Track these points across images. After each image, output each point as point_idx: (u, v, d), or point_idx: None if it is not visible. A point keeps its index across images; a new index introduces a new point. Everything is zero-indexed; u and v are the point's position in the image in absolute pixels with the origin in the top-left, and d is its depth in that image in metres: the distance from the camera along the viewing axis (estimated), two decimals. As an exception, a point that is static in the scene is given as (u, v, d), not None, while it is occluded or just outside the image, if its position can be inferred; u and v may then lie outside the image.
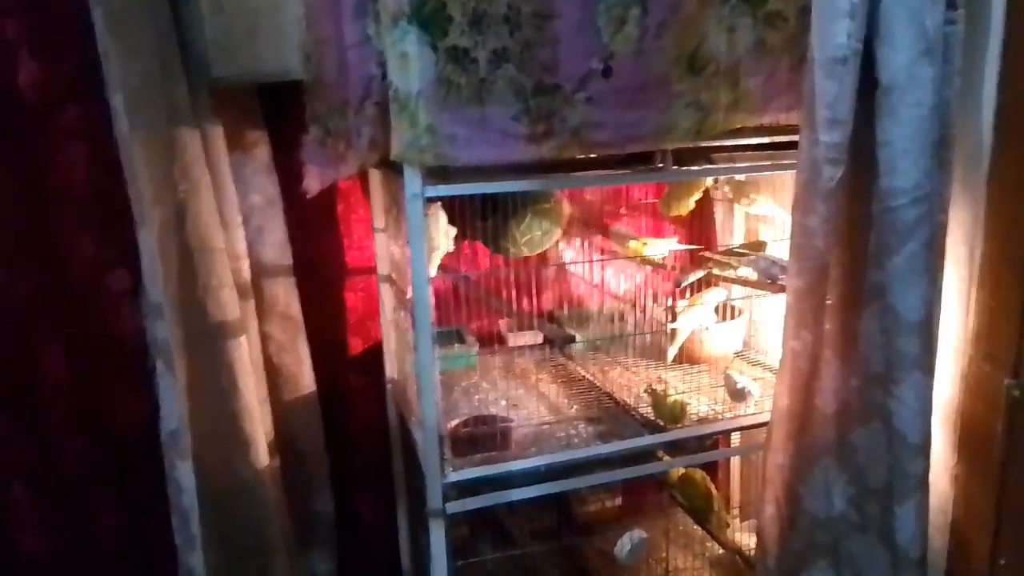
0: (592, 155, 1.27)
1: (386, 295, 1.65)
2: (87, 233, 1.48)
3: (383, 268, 1.64)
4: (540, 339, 1.81)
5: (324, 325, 1.68)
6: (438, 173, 1.18)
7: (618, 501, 1.92)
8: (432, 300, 1.22)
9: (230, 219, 1.32)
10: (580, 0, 1.13)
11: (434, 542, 1.28)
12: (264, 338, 1.55)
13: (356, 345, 1.74)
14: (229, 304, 1.25)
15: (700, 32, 1.23)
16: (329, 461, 1.71)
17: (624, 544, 1.50)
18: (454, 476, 1.28)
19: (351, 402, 1.75)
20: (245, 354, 1.30)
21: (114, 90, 0.99)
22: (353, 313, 1.73)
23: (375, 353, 1.72)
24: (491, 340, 1.81)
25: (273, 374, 1.58)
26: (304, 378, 1.64)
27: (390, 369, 1.70)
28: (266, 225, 1.54)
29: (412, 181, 1.16)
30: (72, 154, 1.43)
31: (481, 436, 1.32)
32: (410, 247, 1.18)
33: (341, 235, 1.68)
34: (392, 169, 1.28)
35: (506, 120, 1.14)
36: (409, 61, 1.09)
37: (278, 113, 1.51)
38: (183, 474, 1.14)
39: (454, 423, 1.36)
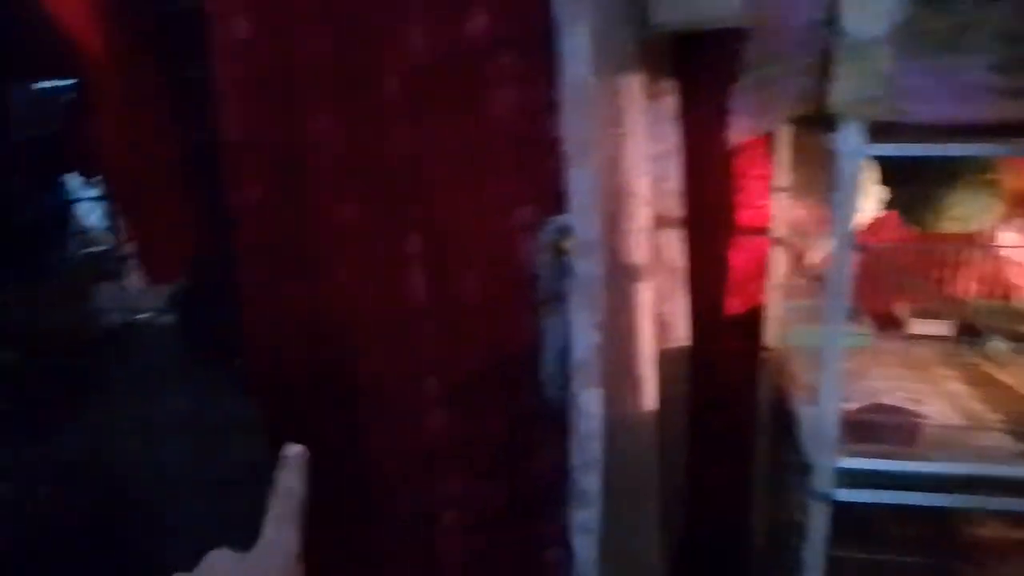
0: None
1: (777, 258, 1.57)
2: (504, 171, 1.63)
3: (778, 229, 1.55)
4: (948, 329, 1.57)
5: (705, 281, 1.66)
6: (878, 130, 1.05)
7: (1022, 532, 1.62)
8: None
9: (641, 166, 1.34)
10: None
11: (814, 528, 1.21)
12: (649, 285, 1.58)
13: (734, 306, 1.69)
14: (640, 248, 1.28)
15: None
16: (688, 417, 1.71)
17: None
18: (847, 463, 1.18)
19: (720, 363, 1.71)
20: (648, 298, 1.33)
21: (576, 33, 1.04)
22: (736, 273, 1.67)
23: (753, 317, 1.66)
24: (886, 322, 1.62)
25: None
26: (679, 330, 1.64)
27: (769, 336, 1.62)
28: (664, 175, 1.55)
29: (851, 137, 1.05)
30: (503, 94, 1.56)
31: (884, 426, 1.19)
32: (835, 210, 1.08)
33: (735, 191, 1.62)
34: (815, 124, 1.18)
35: (982, 71, 0.96)
36: (872, 4, 0.98)
37: (685, 62, 1.50)
38: (589, 400, 1.22)
39: (851, 407, 1.25)
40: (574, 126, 1.10)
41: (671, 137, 1.53)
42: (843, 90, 1.02)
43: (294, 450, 0.51)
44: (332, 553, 1.85)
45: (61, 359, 2.12)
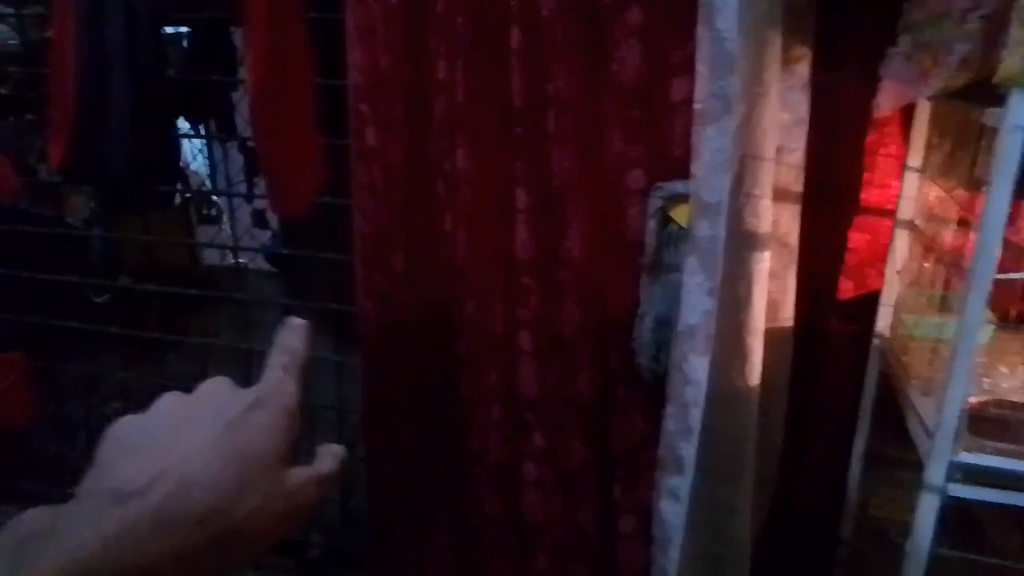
0: None
1: (900, 242, 1.49)
2: (620, 131, 1.59)
3: (905, 212, 1.48)
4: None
5: (818, 261, 1.59)
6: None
7: None
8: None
9: (774, 130, 1.29)
10: None
11: (922, 519, 1.16)
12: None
13: (847, 289, 1.62)
14: (765, 216, 1.24)
15: None
16: (788, 398, 1.65)
17: None
18: (966, 458, 1.12)
19: (826, 346, 1.65)
20: (766, 269, 1.29)
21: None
22: (853, 255, 1.60)
23: (866, 302, 1.58)
24: (1011, 318, 1.53)
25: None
26: (785, 310, 1.58)
27: (882, 324, 1.56)
28: (787, 145, 1.48)
29: (1017, 110, 0.98)
30: (626, 53, 1.52)
31: (1014, 423, 1.13)
32: (990, 191, 1.02)
33: (862, 169, 1.54)
34: (968, 97, 1.11)
35: None
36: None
37: (824, 25, 1.42)
38: (694, 368, 1.20)
39: (976, 400, 1.19)
40: (714, 82, 1.06)
41: (800, 106, 1.46)
42: (1017, 58, 0.94)
43: (298, 321, 0.45)
44: (422, 488, 1.90)
45: (169, 289, 2.23)
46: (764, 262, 1.29)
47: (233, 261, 2.90)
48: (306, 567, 2.21)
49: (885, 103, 1.09)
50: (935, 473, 1.14)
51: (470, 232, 1.66)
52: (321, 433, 2.26)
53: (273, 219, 2.86)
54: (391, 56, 1.58)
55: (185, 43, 2.43)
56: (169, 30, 2.36)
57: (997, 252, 1.03)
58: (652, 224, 1.61)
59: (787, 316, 1.59)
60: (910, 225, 1.46)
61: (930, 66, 1.06)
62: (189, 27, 2.36)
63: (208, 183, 3.29)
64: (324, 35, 1.72)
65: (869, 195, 1.55)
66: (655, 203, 1.60)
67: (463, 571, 1.93)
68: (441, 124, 1.61)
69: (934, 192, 1.36)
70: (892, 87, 1.08)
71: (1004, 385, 1.34)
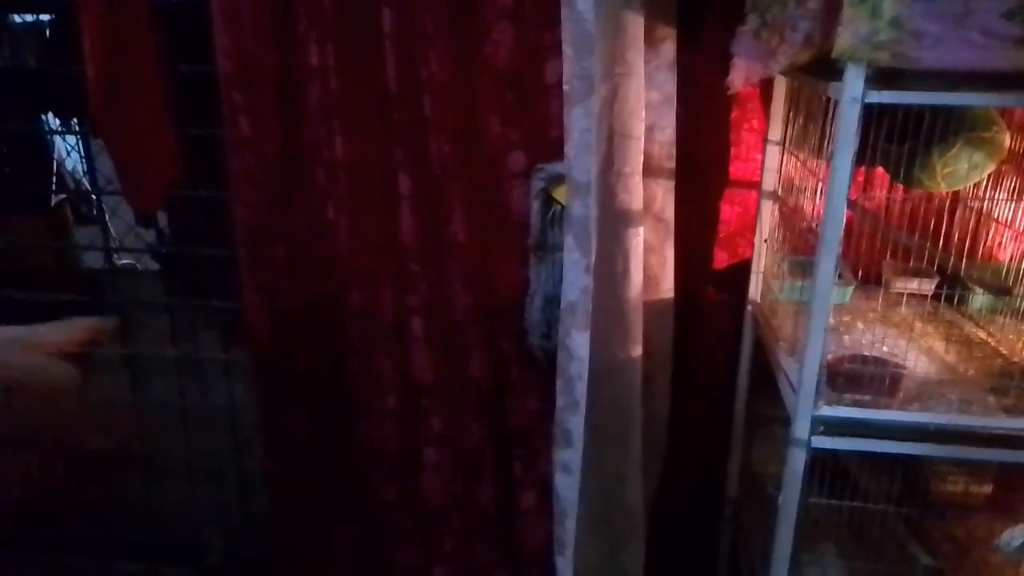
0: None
1: (766, 213, 1.57)
2: (497, 114, 1.60)
3: (768, 184, 1.55)
4: (930, 287, 1.59)
5: (693, 234, 1.66)
6: (881, 78, 1.05)
7: (986, 488, 1.67)
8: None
9: (641, 109, 1.33)
10: None
11: (791, 472, 1.23)
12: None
13: (721, 259, 1.70)
14: (636, 193, 1.28)
15: None
16: (672, 367, 1.72)
17: (1012, 539, 1.31)
18: (827, 411, 1.20)
19: (705, 315, 1.73)
20: (641, 244, 1.33)
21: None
22: (725, 226, 1.67)
23: (739, 271, 1.67)
24: (867, 279, 1.64)
25: (638, 272, 1.60)
26: (664, 282, 1.65)
27: (753, 290, 1.64)
28: (657, 123, 1.53)
29: (853, 83, 1.04)
30: (499, 36, 1.53)
31: (866, 376, 1.21)
32: (833, 160, 1.08)
33: (729, 143, 1.61)
34: (815, 73, 1.17)
35: (994, 18, 0.96)
36: (883, -56, 0.96)
37: (686, 7, 1.47)
38: (577, 343, 1.22)
39: (834, 356, 1.27)
40: (578, 63, 1.08)
41: (667, 85, 1.51)
42: (850, 34, 1.01)
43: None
44: (322, 483, 1.86)
45: (43, 295, 2.09)
46: (639, 237, 1.33)
47: (120, 263, 2.76)
48: (204, 574, 2.14)
49: (737, 80, 1.15)
50: (800, 427, 1.21)
51: (353, 220, 1.64)
52: (215, 435, 2.18)
53: (161, 217, 2.73)
54: (260, 41, 1.52)
55: (47, 32, 2.27)
56: (29, 18, 2.20)
57: (843, 217, 1.10)
58: (536, 205, 1.63)
59: (667, 288, 1.66)
60: (773, 196, 1.54)
61: (777, 43, 1.12)
62: (50, 15, 2.21)
63: (86, 181, 3.10)
64: (199, 19, 1.64)
65: (736, 169, 1.62)
66: (537, 184, 1.62)
67: (368, 563, 1.92)
68: (316, 111, 1.57)
69: (793, 163, 1.44)
70: (743, 64, 1.13)
71: (862, 341, 1.43)
